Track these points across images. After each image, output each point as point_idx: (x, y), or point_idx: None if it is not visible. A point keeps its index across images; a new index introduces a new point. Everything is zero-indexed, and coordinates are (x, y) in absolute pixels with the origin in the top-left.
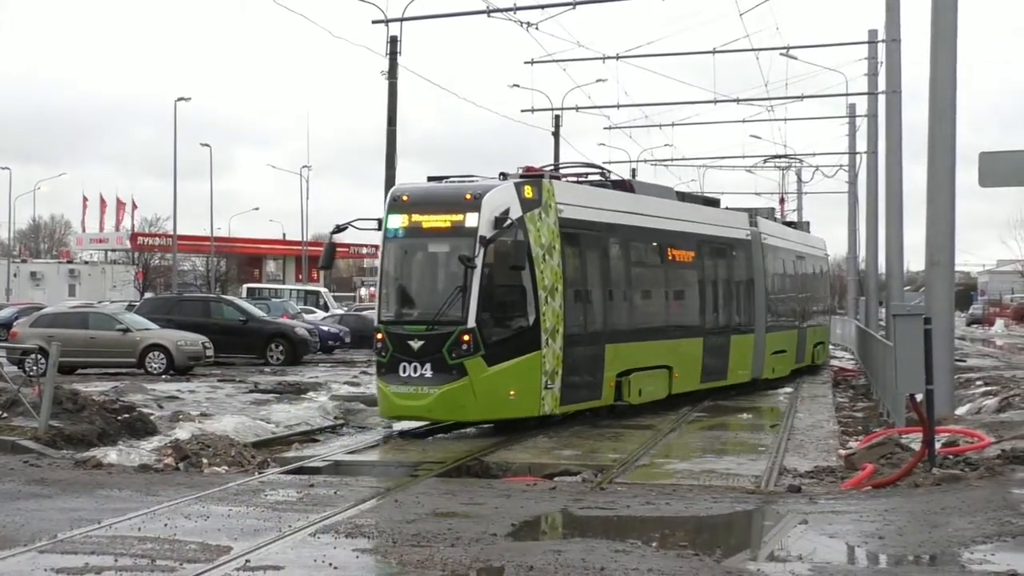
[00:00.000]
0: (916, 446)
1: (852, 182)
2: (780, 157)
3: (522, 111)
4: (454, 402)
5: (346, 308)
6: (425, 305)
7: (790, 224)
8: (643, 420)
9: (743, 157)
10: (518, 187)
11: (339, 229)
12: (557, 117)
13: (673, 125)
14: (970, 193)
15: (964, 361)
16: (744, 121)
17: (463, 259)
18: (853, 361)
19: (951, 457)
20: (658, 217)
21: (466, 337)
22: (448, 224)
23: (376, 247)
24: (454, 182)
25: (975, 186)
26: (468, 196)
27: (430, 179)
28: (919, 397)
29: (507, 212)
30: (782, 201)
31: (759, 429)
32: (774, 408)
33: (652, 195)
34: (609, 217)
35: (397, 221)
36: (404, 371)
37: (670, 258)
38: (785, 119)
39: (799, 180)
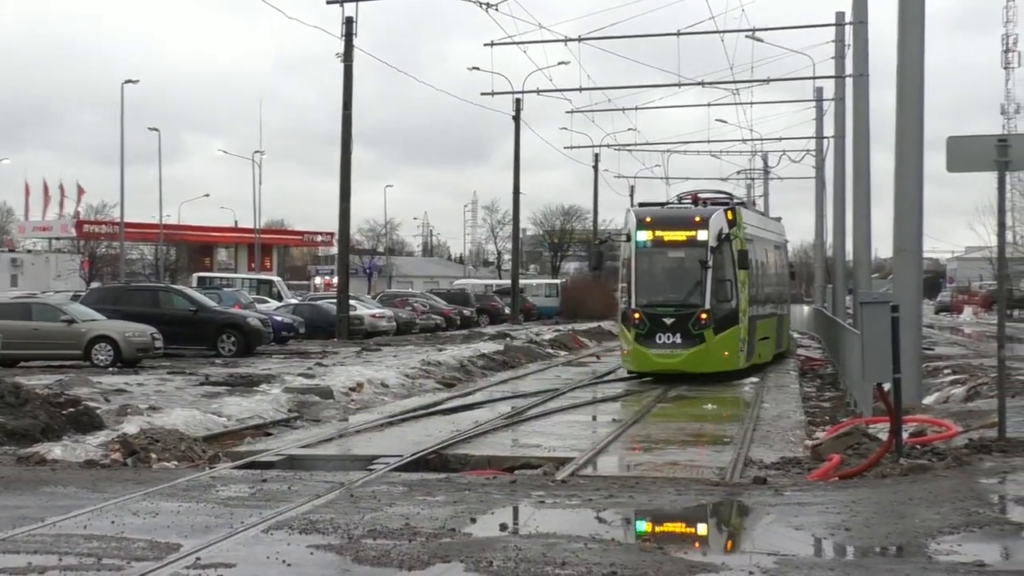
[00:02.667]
0: (883, 436)
1: (819, 167)
2: (746, 142)
3: (482, 94)
4: (697, 359)
5: (300, 298)
6: (673, 293)
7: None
8: (606, 413)
9: (708, 142)
10: (724, 212)
11: (602, 241)
12: (518, 101)
13: (637, 109)
14: (938, 179)
15: (932, 349)
16: (709, 105)
17: (701, 262)
18: (820, 350)
19: (918, 447)
20: (763, 228)
21: (704, 315)
22: (685, 238)
23: (331, 234)
24: (674, 206)
25: (943, 172)
26: (698, 219)
27: (642, 204)
28: (886, 386)
29: (722, 230)
30: (748, 187)
31: (724, 420)
32: (739, 398)
33: (751, 211)
34: (756, 232)
35: (644, 235)
36: (660, 339)
37: (767, 258)
38: (751, 103)
39: (765, 165)
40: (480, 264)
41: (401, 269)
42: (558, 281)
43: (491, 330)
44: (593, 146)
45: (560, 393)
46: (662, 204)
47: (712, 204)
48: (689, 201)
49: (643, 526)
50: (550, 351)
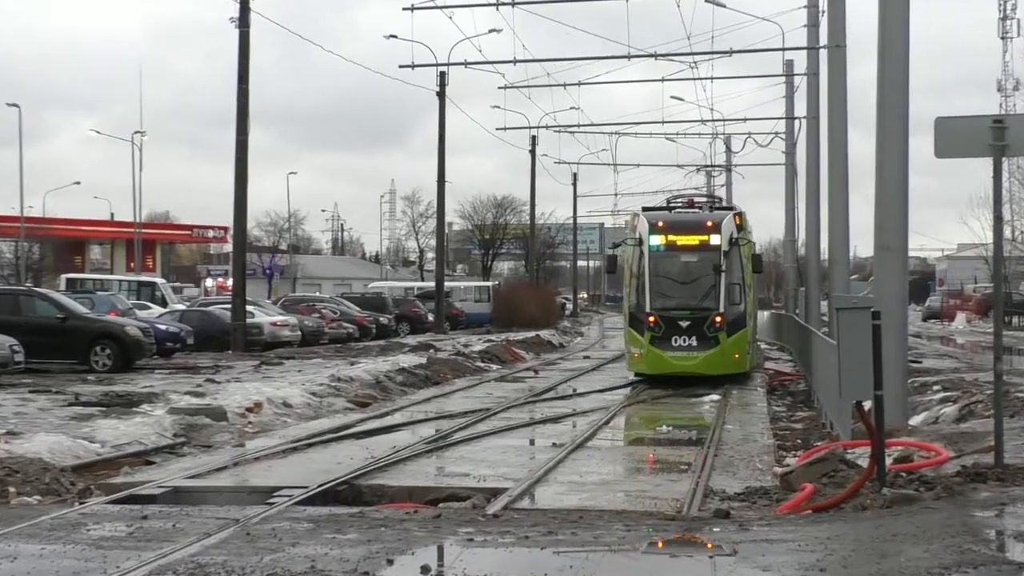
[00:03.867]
0: (863, 462)
1: (790, 152)
2: (706, 123)
3: (400, 67)
4: (711, 362)
5: (188, 303)
6: (687, 297)
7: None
8: (546, 436)
9: (662, 123)
10: (733, 217)
11: (615, 246)
12: (443, 74)
13: (580, 84)
14: (926, 167)
15: (920, 362)
16: (663, 80)
17: (715, 267)
18: (791, 363)
19: (904, 475)
20: (750, 232)
21: (718, 319)
22: (698, 242)
23: (225, 229)
24: (681, 211)
25: (932, 158)
26: (710, 224)
27: (645, 209)
28: (867, 405)
29: (732, 234)
30: (709, 176)
31: (681, 444)
32: (699, 419)
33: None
34: (752, 235)
35: (657, 240)
36: (675, 342)
37: (752, 261)
38: (711, 78)
39: (728, 150)
40: (399, 264)
41: (307, 269)
42: (490, 284)
43: (412, 340)
44: (530, 127)
45: (492, 413)
46: (669, 208)
47: (717, 209)
48: (685, 205)
49: (587, 569)
50: (480, 365)
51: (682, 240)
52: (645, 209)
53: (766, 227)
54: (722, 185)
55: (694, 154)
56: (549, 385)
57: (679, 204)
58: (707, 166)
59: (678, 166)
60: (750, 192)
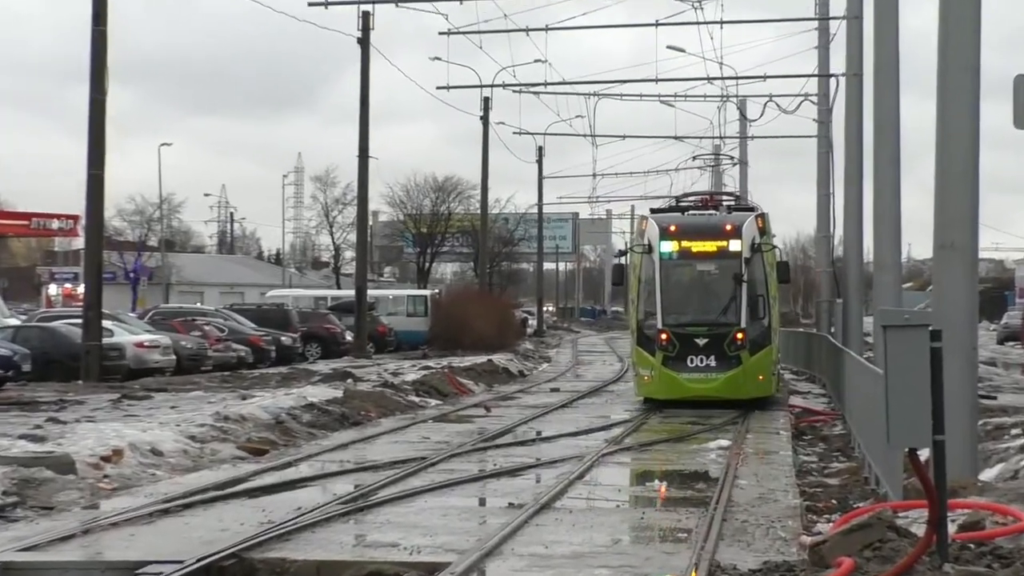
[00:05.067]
0: (919, 530)
1: (824, 120)
2: (713, 81)
3: (311, 4)
4: (733, 384)
5: (25, 316)
6: (704, 311)
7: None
8: (501, 494)
9: (656, 81)
10: (755, 219)
11: (623, 253)
12: (366, 15)
13: (547, 30)
14: (1003, 140)
15: (994, 398)
16: (657, 25)
17: (735, 276)
18: (824, 398)
19: (972, 546)
20: (774, 235)
21: (740, 335)
22: (716, 248)
23: (75, 218)
24: (695, 213)
25: (1010, 129)
26: (729, 227)
27: (654, 211)
28: (924, 454)
29: (754, 239)
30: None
31: (678, 503)
32: (702, 472)
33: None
34: (777, 242)
35: (669, 246)
36: (692, 362)
37: (777, 270)
38: (720, 22)
39: (742, 118)
40: (307, 266)
41: (185, 273)
42: (427, 292)
43: (324, 367)
44: (481, 86)
45: (430, 464)
46: (683, 210)
47: (735, 209)
48: (699, 205)
49: None
50: (414, 399)
51: (698, 246)
52: (654, 211)
53: (791, 220)
54: (732, 164)
55: (697, 123)
56: (505, 427)
57: (692, 203)
58: (715, 138)
59: (676, 138)
60: (768, 173)
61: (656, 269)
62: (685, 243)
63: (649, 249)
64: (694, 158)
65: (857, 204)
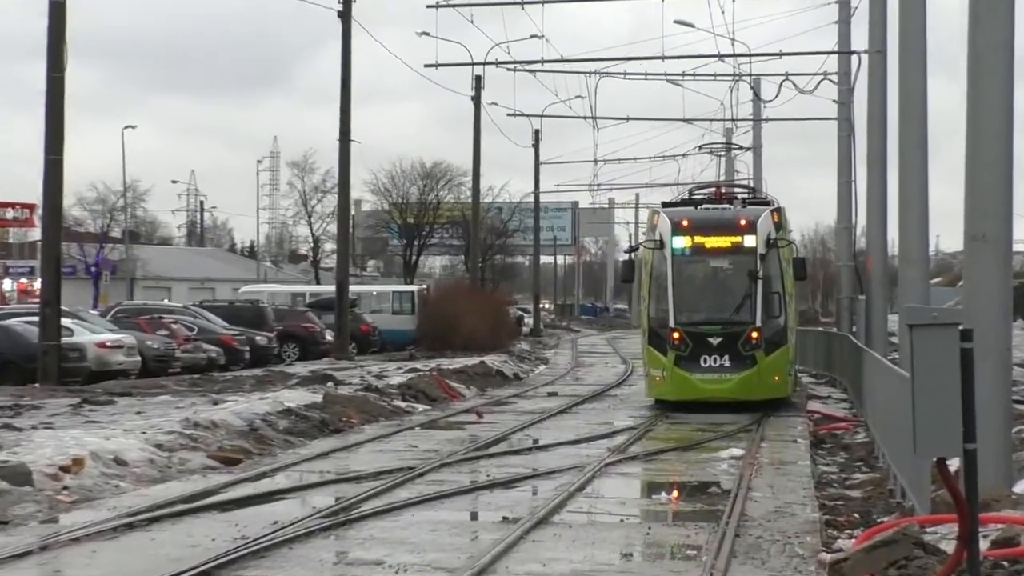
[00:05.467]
0: (948, 546)
1: (845, 101)
2: (724, 59)
3: None
4: (748, 385)
5: None
6: (718, 309)
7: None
8: (494, 508)
9: (663, 59)
10: (770, 214)
11: (632, 249)
12: None
13: (544, 2)
14: None
15: None
16: None
17: (750, 272)
18: (846, 403)
19: (1006, 564)
20: (791, 230)
21: (755, 334)
22: (730, 244)
23: (31, 207)
24: (709, 207)
25: None
26: (744, 222)
27: (666, 205)
28: (953, 464)
29: (769, 234)
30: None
31: (686, 518)
32: (712, 482)
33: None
34: (793, 237)
35: (682, 242)
36: (705, 362)
37: (794, 266)
38: None
39: (756, 98)
40: (284, 259)
41: (152, 267)
42: (414, 288)
43: (303, 369)
44: (473, 64)
45: (417, 475)
46: (695, 204)
47: (750, 203)
48: (712, 198)
49: None
50: (400, 405)
51: (711, 242)
52: (666, 205)
53: (809, 210)
54: (745, 150)
55: (707, 104)
56: (499, 434)
57: (705, 197)
58: (726, 120)
59: (684, 120)
60: (784, 159)
61: (668, 265)
62: (698, 238)
63: (660, 245)
64: (700, 147)
65: (881, 192)
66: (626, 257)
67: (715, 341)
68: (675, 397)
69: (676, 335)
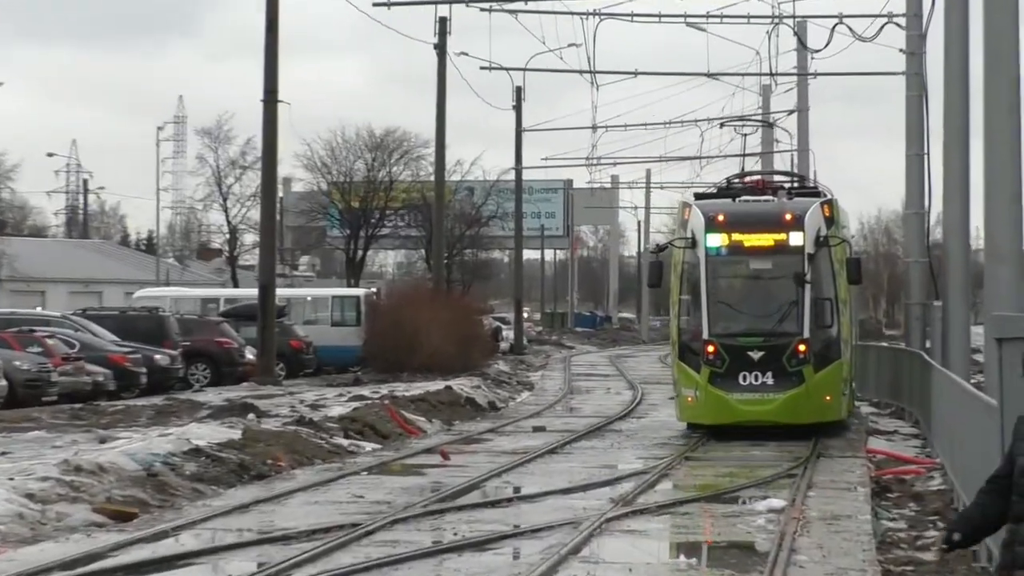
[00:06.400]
0: None
1: (915, 52)
2: None
3: None
4: (795, 406)
5: None
6: (759, 318)
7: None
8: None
9: None
10: (821, 207)
11: (660, 248)
12: None
13: None
14: None
15: None
16: None
17: (797, 275)
18: (917, 440)
19: None
20: (845, 226)
21: (802, 347)
22: (773, 243)
23: None
24: (748, 199)
25: None
26: (789, 216)
27: (699, 196)
28: None
29: (820, 230)
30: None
31: None
32: (744, 543)
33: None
34: (848, 233)
35: (717, 240)
36: (745, 379)
37: (848, 268)
38: None
39: (801, 47)
40: (192, 255)
41: (21, 264)
42: (361, 292)
43: (216, 396)
44: (436, 1)
45: (364, 533)
46: (733, 195)
47: (797, 194)
48: (753, 188)
49: None
50: (343, 442)
51: (751, 240)
52: (698, 197)
53: (870, 191)
54: (786, 113)
55: (738, 54)
56: (470, 481)
57: (744, 187)
58: (762, 75)
59: (708, 75)
60: (837, 125)
61: (701, 268)
62: (736, 236)
63: (693, 243)
64: (722, 125)
65: (962, 169)
66: (654, 258)
67: (756, 355)
68: (710, 421)
69: (711, 348)
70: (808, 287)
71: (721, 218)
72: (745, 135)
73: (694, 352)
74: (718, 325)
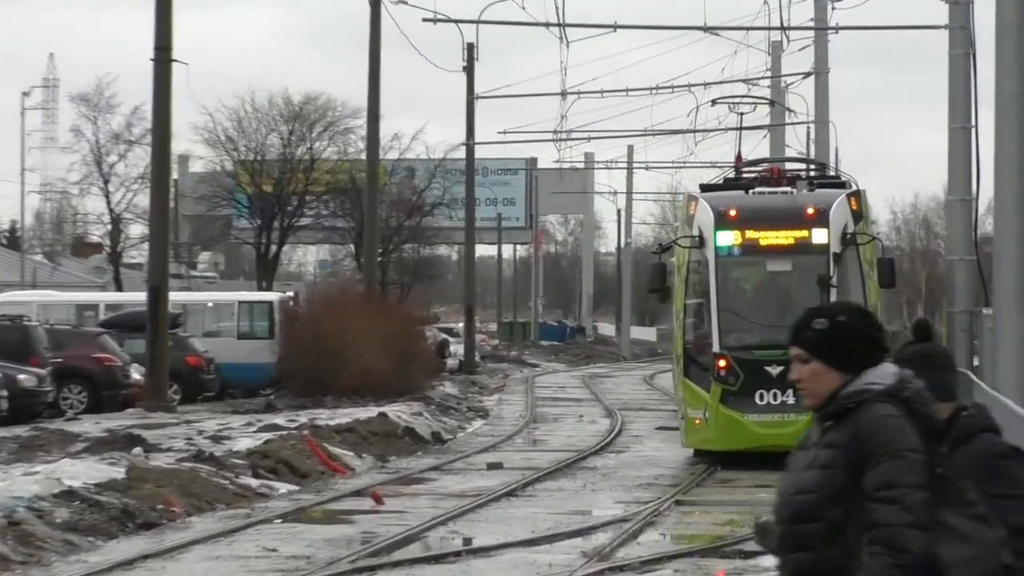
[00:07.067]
0: None
1: (960, 1)
2: None
3: None
4: None
5: None
6: (778, 327)
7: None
8: None
9: None
10: (847, 199)
11: (663, 248)
12: None
13: None
14: None
15: None
16: None
17: (820, 278)
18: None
19: None
20: (874, 221)
21: None
22: (793, 241)
23: None
24: (763, 191)
25: None
26: (812, 210)
27: (705, 188)
28: None
29: (846, 227)
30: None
31: None
32: None
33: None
34: (877, 228)
35: (729, 237)
36: (762, 398)
37: (879, 269)
38: None
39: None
40: (65, 250)
41: None
42: (273, 297)
43: (93, 426)
44: None
45: None
46: (745, 187)
47: (819, 185)
48: (769, 179)
49: None
50: (251, 482)
51: (768, 238)
52: (705, 188)
53: (905, 173)
54: (804, 73)
55: (742, 4)
56: (409, 530)
57: (758, 176)
58: (770, 28)
59: (705, 29)
60: (862, 90)
61: (711, 270)
62: (751, 233)
63: (700, 242)
64: (713, 103)
65: (1018, 146)
66: (657, 260)
67: (775, 371)
68: (721, 447)
69: (722, 363)
70: (834, 291)
71: (733, 213)
72: (741, 114)
73: (703, 367)
74: (730, 336)
